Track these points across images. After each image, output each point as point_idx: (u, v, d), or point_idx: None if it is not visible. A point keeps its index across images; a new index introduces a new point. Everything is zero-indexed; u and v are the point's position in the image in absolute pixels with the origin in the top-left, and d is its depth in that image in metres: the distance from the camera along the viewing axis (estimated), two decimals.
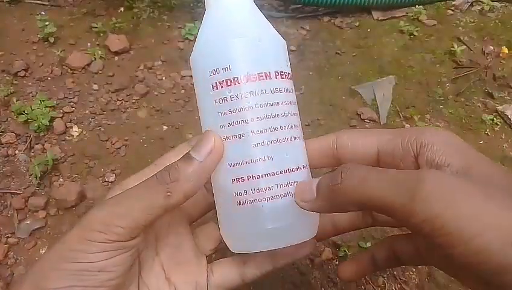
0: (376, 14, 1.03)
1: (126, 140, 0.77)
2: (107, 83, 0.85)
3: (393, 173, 0.21)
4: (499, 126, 0.81)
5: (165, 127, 0.79)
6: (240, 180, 0.26)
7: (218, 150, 0.26)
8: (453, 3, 1.06)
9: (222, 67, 0.26)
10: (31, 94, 0.82)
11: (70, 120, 0.79)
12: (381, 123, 0.81)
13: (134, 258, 0.27)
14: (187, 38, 0.95)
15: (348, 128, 0.80)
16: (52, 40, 0.90)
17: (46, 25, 0.90)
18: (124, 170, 0.72)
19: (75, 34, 0.94)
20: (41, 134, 0.75)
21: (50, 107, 0.78)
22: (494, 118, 0.81)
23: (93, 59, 0.88)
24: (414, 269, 0.61)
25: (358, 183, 0.21)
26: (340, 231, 0.32)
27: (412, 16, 1.02)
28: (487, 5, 1.03)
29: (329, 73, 0.90)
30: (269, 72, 0.27)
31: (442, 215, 0.18)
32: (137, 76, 0.87)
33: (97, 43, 0.92)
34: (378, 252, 0.30)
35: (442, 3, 1.06)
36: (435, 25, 1.01)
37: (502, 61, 0.91)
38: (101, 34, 0.94)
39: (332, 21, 1.02)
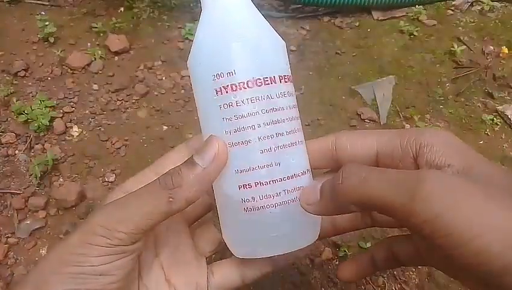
0: (376, 14, 1.03)
1: (126, 140, 0.77)
2: (107, 83, 0.85)
3: (393, 173, 0.21)
4: (499, 126, 0.81)
5: (165, 127, 0.79)
6: (247, 186, 0.26)
7: (222, 156, 0.26)
8: (453, 3, 1.06)
9: (227, 72, 0.25)
10: (31, 94, 0.82)
11: (70, 120, 0.79)
12: (381, 123, 0.81)
13: (135, 261, 0.26)
14: (187, 38, 0.95)
15: (348, 128, 0.80)
16: (52, 40, 0.90)
17: (46, 25, 0.90)
18: (124, 170, 0.72)
19: (75, 34, 0.94)
20: (41, 134, 0.75)
21: (50, 107, 0.78)
22: (494, 118, 0.81)
23: (93, 59, 0.88)
24: (414, 269, 0.61)
25: (359, 182, 0.21)
26: (339, 231, 0.32)
27: (412, 16, 1.02)
28: (487, 5, 1.03)
29: (329, 73, 0.90)
30: (274, 77, 0.26)
31: (443, 215, 0.18)
32: (137, 76, 0.87)
33: (97, 43, 0.92)
34: (377, 253, 0.30)
35: (442, 3, 1.06)
36: (435, 25, 1.01)
37: (502, 61, 0.91)
38: (101, 34, 0.94)
39: (332, 21, 1.02)
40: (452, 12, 1.05)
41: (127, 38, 0.92)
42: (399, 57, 0.93)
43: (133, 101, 0.83)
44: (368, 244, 0.63)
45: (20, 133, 0.76)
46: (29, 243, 0.63)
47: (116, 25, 0.94)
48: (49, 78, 0.85)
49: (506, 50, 0.92)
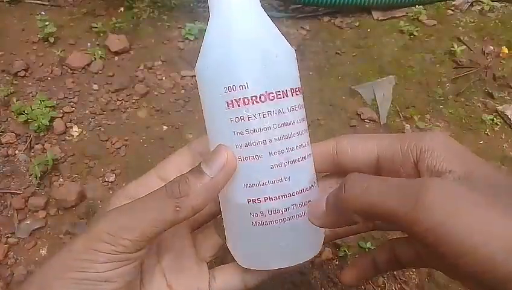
0: (376, 14, 1.03)
1: (126, 140, 0.77)
2: (107, 83, 0.85)
3: (395, 182, 0.21)
4: (499, 126, 0.81)
5: (165, 127, 0.79)
6: (257, 201, 0.26)
7: (231, 166, 0.25)
8: (453, 3, 1.06)
9: (239, 85, 0.25)
10: (31, 94, 0.82)
11: (70, 120, 0.79)
12: (381, 123, 0.81)
13: (137, 269, 0.27)
14: (187, 38, 0.95)
15: (348, 128, 0.80)
16: (52, 40, 0.90)
17: (46, 25, 0.90)
18: (124, 170, 0.72)
19: (75, 34, 0.94)
20: (41, 134, 0.75)
21: (50, 107, 0.78)
22: (494, 118, 0.81)
23: (93, 59, 0.88)
24: (414, 269, 0.61)
25: (361, 192, 0.22)
26: (340, 236, 0.32)
27: (412, 16, 1.02)
28: (487, 5, 1.03)
29: (329, 73, 0.90)
30: (286, 90, 0.26)
31: (446, 224, 0.18)
32: (137, 76, 0.87)
33: (97, 43, 0.92)
34: (379, 256, 0.30)
35: (442, 3, 1.06)
36: (435, 25, 1.01)
37: (502, 61, 0.91)
38: (101, 34, 0.94)
39: (332, 21, 1.02)
40: (452, 12, 1.05)
41: (127, 38, 0.92)
42: (399, 57, 0.93)
43: (133, 101, 0.83)
44: (368, 244, 0.63)
45: (20, 133, 0.76)
46: (29, 243, 0.63)
47: (116, 25, 0.94)
48: (49, 78, 0.85)
49: (506, 50, 0.92)
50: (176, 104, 0.83)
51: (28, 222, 0.65)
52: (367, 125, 0.81)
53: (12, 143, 0.74)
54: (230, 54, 0.25)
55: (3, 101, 0.79)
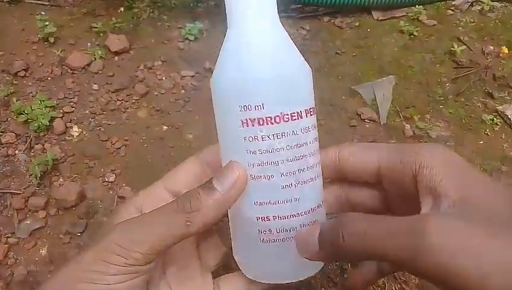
0: (376, 14, 1.03)
1: (126, 140, 0.77)
2: (107, 83, 0.85)
3: (394, 225, 0.22)
4: (499, 126, 0.81)
5: (165, 127, 0.79)
6: (266, 219, 0.26)
7: (242, 183, 0.26)
8: (453, 3, 1.06)
9: (255, 105, 0.25)
10: (31, 94, 0.82)
11: (70, 120, 0.79)
12: (381, 123, 0.81)
13: (145, 281, 0.27)
14: (187, 39, 0.95)
15: (348, 128, 0.80)
16: (52, 40, 0.90)
17: (46, 25, 0.90)
18: (124, 170, 0.72)
19: (75, 34, 0.94)
20: (41, 134, 0.75)
21: (50, 107, 0.78)
22: (494, 118, 0.81)
23: (93, 59, 0.88)
24: None
25: (359, 240, 0.22)
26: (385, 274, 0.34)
27: (412, 16, 1.02)
28: (487, 5, 1.03)
29: (329, 73, 0.90)
30: (300, 112, 0.26)
31: (448, 265, 0.19)
32: (137, 76, 0.87)
33: (97, 43, 0.92)
34: None
35: (442, 3, 1.06)
36: (435, 25, 1.01)
37: (502, 61, 0.91)
38: (101, 34, 0.94)
39: (332, 21, 1.02)
40: (452, 12, 1.05)
41: (127, 38, 0.92)
42: (399, 57, 0.93)
43: (133, 101, 0.83)
44: None
45: (20, 133, 0.76)
46: (29, 243, 0.63)
47: (116, 25, 0.94)
48: (49, 78, 0.85)
49: (506, 50, 0.92)
50: (176, 104, 0.83)
51: (28, 222, 0.65)
52: (367, 125, 0.81)
53: (12, 143, 0.74)
54: (247, 73, 0.25)
55: (3, 101, 0.79)
